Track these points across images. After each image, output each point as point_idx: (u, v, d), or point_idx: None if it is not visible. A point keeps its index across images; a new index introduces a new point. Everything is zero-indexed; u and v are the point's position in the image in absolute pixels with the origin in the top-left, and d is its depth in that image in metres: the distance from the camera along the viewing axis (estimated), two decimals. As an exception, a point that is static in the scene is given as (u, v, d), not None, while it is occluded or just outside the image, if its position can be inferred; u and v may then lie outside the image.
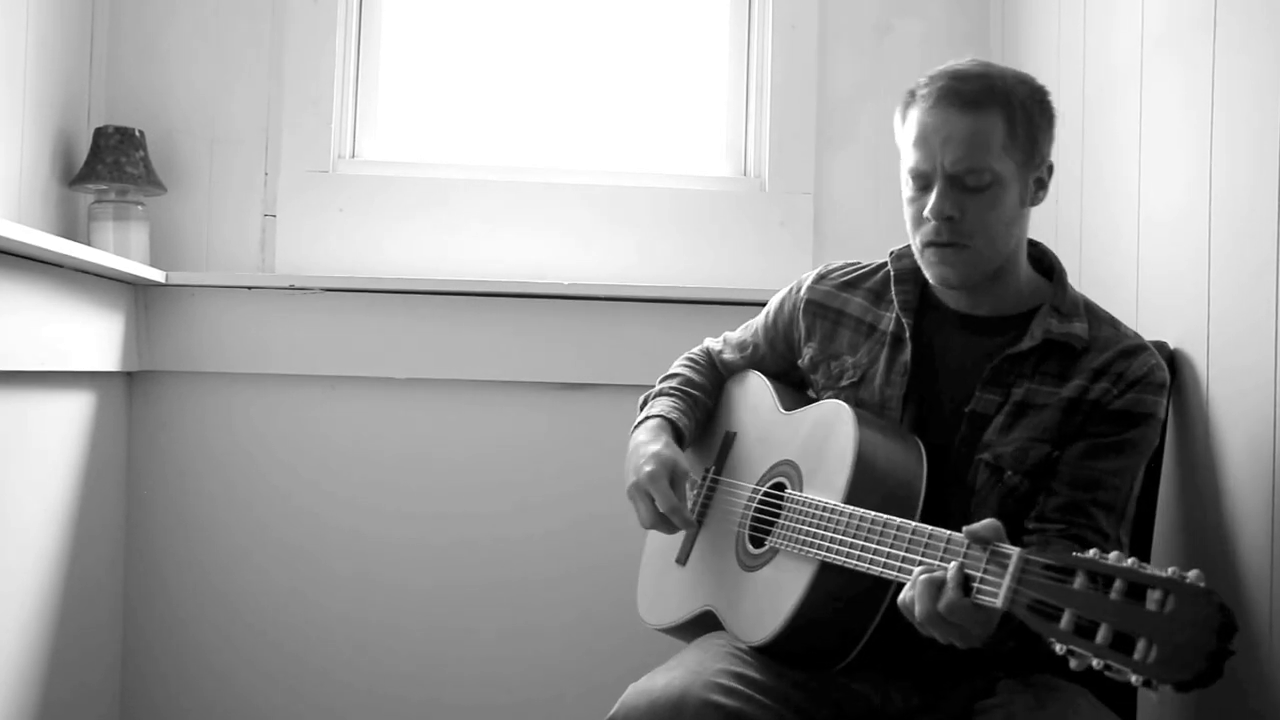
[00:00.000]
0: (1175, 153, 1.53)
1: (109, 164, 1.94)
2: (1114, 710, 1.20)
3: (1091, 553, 0.90)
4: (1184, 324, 1.49)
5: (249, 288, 2.07)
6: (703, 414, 1.57)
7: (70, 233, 1.99)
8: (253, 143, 2.14)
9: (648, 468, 1.39)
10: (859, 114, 2.24)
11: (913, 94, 1.31)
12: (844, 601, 1.21)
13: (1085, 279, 1.81)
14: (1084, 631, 0.87)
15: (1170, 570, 0.84)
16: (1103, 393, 1.28)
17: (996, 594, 0.96)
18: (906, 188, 1.32)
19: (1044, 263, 1.40)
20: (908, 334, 1.37)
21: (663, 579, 1.52)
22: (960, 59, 1.33)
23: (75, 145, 2.02)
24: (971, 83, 1.27)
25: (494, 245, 2.18)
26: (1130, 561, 0.87)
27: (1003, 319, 1.34)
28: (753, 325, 1.59)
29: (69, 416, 1.84)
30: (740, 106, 2.30)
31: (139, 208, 2.00)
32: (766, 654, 1.26)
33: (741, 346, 1.59)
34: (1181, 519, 1.49)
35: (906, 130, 1.31)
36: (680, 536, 1.50)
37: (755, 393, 1.53)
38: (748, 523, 1.38)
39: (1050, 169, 1.35)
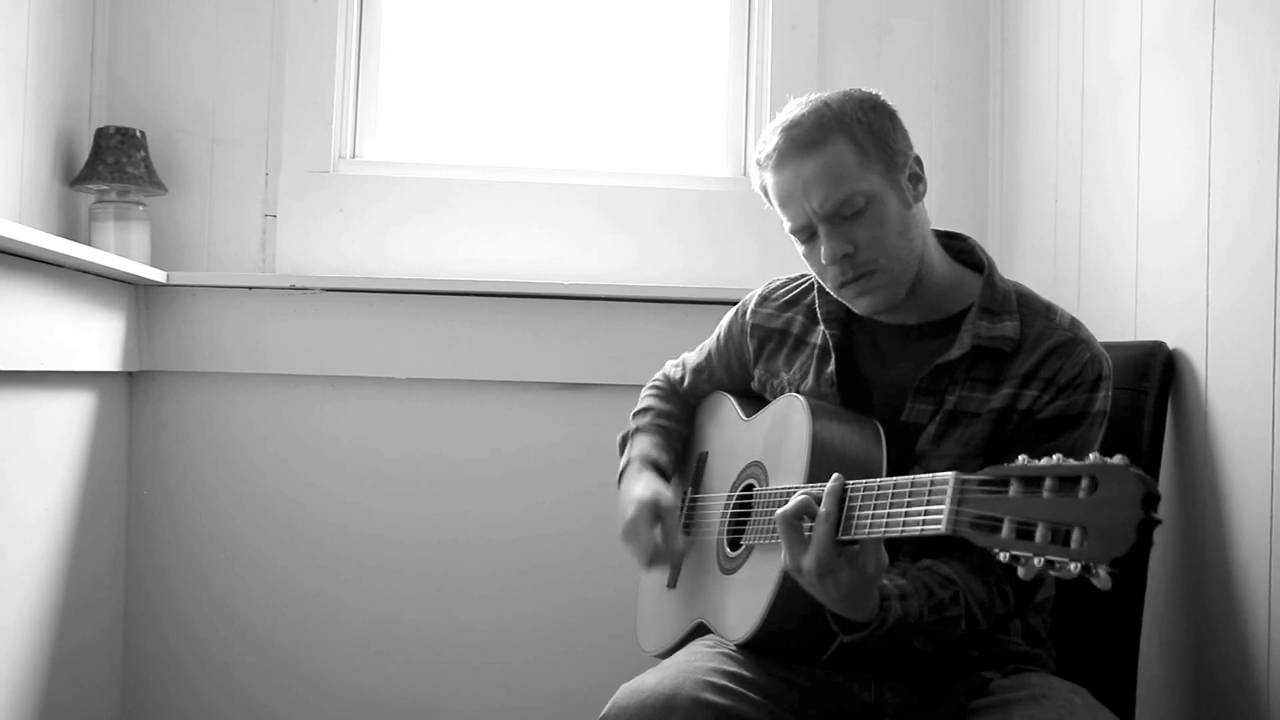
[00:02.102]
0: (1175, 153, 1.53)
1: (110, 164, 1.94)
2: (1112, 710, 1.20)
3: (1020, 459, 0.92)
4: (1183, 324, 1.49)
5: (249, 288, 2.07)
6: (679, 443, 1.60)
7: (71, 233, 1.99)
8: (253, 143, 2.14)
9: (629, 513, 1.42)
10: (859, 114, 2.24)
11: (759, 162, 1.33)
12: None
13: (1085, 279, 1.82)
14: (1024, 535, 0.88)
15: (1092, 456, 0.86)
16: (1032, 401, 1.26)
17: (940, 519, 0.98)
18: (796, 245, 1.33)
19: (974, 256, 1.38)
20: (832, 345, 1.37)
21: (657, 606, 1.54)
22: (787, 106, 1.33)
23: (76, 146, 2.02)
24: (803, 125, 1.28)
25: (494, 245, 2.18)
26: (1055, 459, 0.89)
27: (932, 324, 1.33)
28: (706, 349, 1.61)
29: (70, 416, 1.84)
30: (740, 106, 2.30)
31: (140, 208, 2.01)
32: (753, 649, 1.26)
33: (698, 371, 1.61)
34: (1180, 519, 1.49)
35: (771, 196, 1.33)
36: (668, 565, 1.52)
37: (721, 409, 1.55)
38: (725, 529, 1.40)
39: (918, 160, 1.33)
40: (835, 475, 1.11)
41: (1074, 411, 1.25)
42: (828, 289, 1.35)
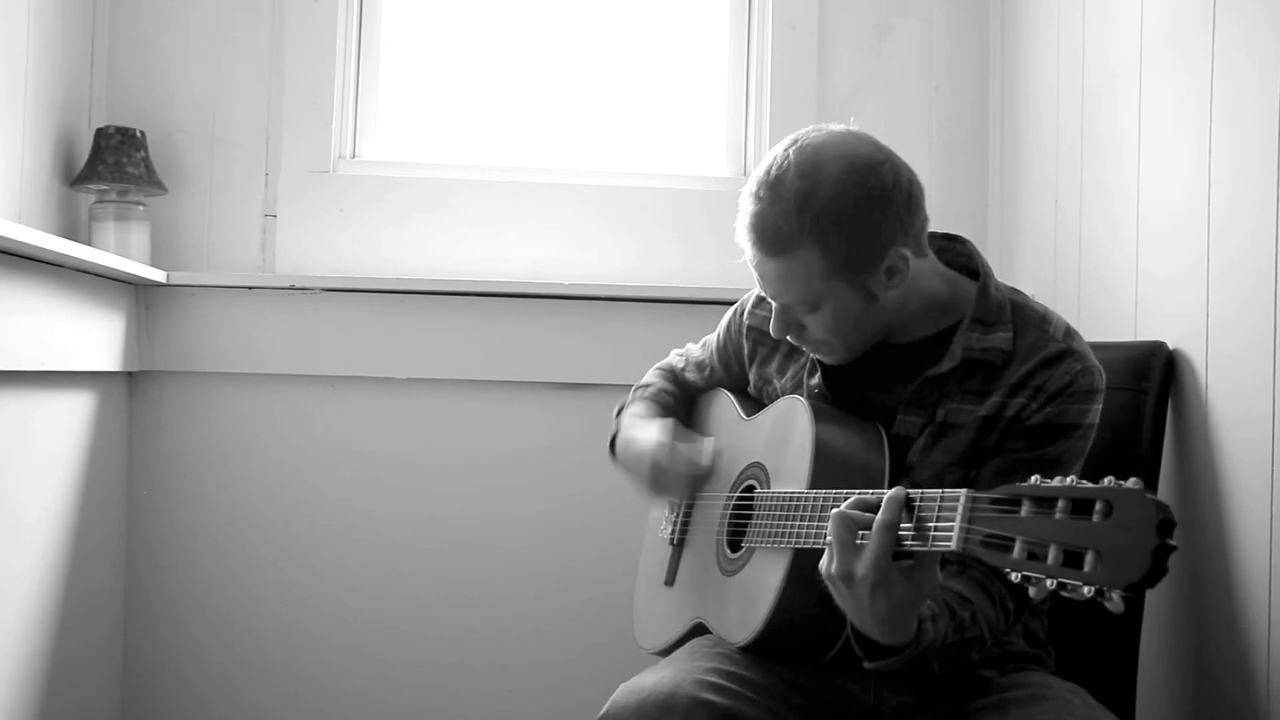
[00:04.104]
0: (1175, 153, 1.53)
1: (110, 164, 1.94)
2: (1112, 710, 1.20)
3: (1034, 479, 0.91)
4: (1184, 324, 1.49)
5: (249, 288, 2.07)
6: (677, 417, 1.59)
7: (71, 233, 1.99)
8: (253, 143, 2.14)
9: (652, 439, 1.41)
10: (859, 114, 2.22)
11: (739, 206, 1.25)
12: (823, 585, 1.21)
13: (1085, 279, 1.82)
14: (1036, 556, 0.87)
15: (1107, 480, 0.85)
16: (1020, 408, 1.24)
17: (950, 537, 0.96)
18: None
19: (971, 263, 1.34)
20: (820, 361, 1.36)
21: (654, 604, 1.54)
22: (784, 152, 1.21)
23: (76, 146, 2.02)
24: (772, 229, 1.19)
25: (494, 245, 2.18)
26: (1070, 480, 0.88)
27: (925, 342, 1.30)
28: (709, 344, 1.60)
29: (70, 416, 1.84)
30: (740, 106, 2.30)
31: (140, 208, 2.00)
32: (754, 652, 1.26)
33: (700, 366, 1.60)
34: (1180, 519, 1.49)
35: None
36: (665, 560, 1.52)
37: (720, 407, 1.55)
38: (725, 530, 1.39)
39: (903, 258, 1.21)
40: (898, 487, 1.05)
41: (1065, 421, 1.23)
42: None
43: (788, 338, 1.32)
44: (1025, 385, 1.24)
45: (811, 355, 1.35)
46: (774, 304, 1.28)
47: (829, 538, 1.07)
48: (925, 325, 1.30)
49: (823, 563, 1.08)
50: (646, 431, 1.45)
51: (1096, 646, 1.44)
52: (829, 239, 1.18)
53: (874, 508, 1.05)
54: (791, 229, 1.18)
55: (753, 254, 1.24)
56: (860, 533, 1.05)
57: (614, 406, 1.64)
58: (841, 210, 1.18)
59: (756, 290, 1.51)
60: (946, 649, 1.15)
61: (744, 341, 1.49)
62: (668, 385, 1.61)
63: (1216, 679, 1.41)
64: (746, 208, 1.23)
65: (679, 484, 1.41)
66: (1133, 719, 1.46)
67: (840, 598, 1.07)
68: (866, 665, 1.13)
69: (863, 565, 1.03)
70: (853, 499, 1.08)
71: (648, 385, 1.62)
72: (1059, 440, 1.23)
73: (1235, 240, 1.38)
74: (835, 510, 1.07)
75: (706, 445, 1.42)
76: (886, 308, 1.26)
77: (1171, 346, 1.51)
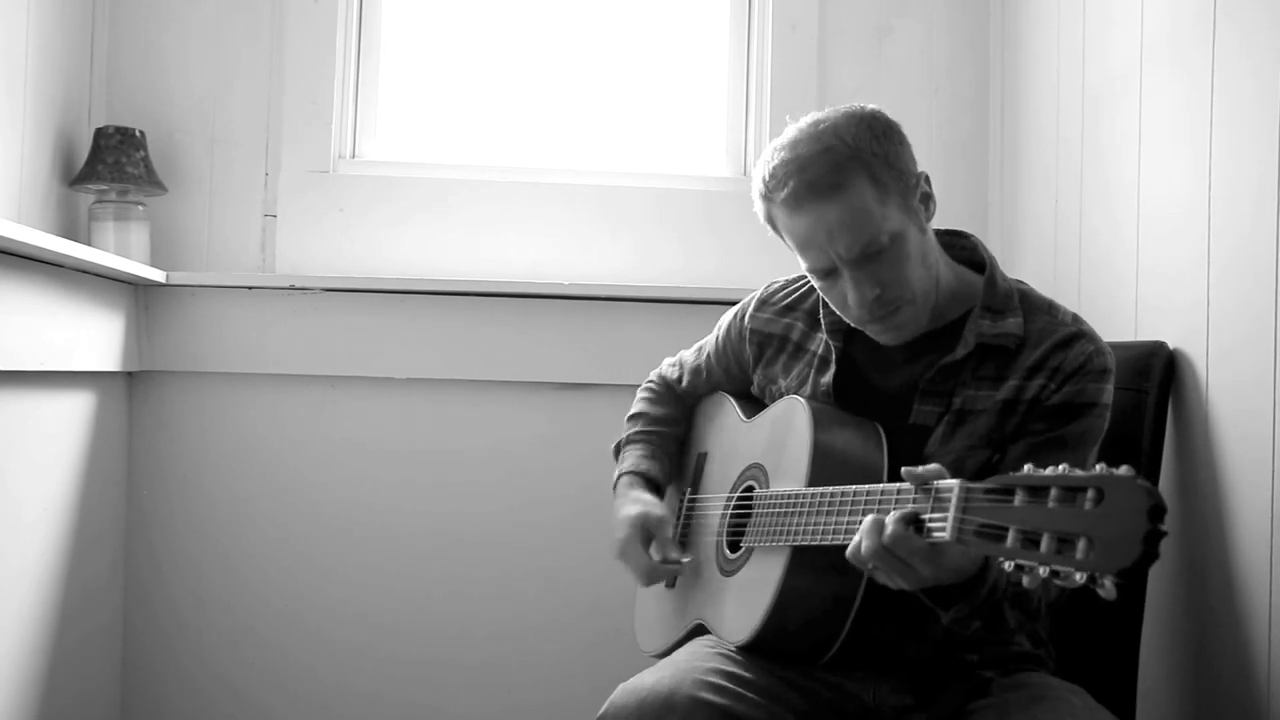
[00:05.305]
0: (1176, 153, 1.53)
1: (109, 164, 1.94)
2: (1112, 710, 1.20)
3: (1026, 468, 0.92)
4: (1184, 324, 1.49)
5: (249, 288, 2.07)
6: (674, 447, 1.59)
7: (71, 233, 1.99)
8: (253, 143, 2.14)
9: (620, 534, 1.44)
10: (859, 114, 2.24)
11: (768, 196, 1.26)
12: (823, 582, 1.20)
13: (1086, 280, 1.82)
14: (1029, 544, 0.89)
15: (1098, 467, 0.86)
16: (1039, 389, 1.25)
17: (945, 527, 0.98)
18: (813, 279, 1.30)
19: (975, 254, 1.36)
20: (833, 356, 1.36)
21: (655, 606, 1.54)
22: (788, 131, 1.27)
23: (76, 145, 2.02)
24: (818, 166, 1.21)
25: (494, 245, 2.18)
26: (1062, 469, 0.89)
27: (935, 332, 1.31)
28: (705, 349, 1.59)
29: (69, 416, 1.84)
30: (740, 106, 2.30)
31: (139, 208, 2.00)
32: (754, 651, 1.26)
33: (696, 372, 1.60)
34: (1181, 518, 1.49)
35: (785, 235, 1.27)
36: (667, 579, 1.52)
37: (721, 410, 1.55)
38: (724, 531, 1.39)
39: (927, 179, 1.29)
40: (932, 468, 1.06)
41: (1083, 400, 1.25)
42: (848, 321, 1.32)
43: (863, 310, 1.26)
44: (1042, 367, 1.26)
45: (880, 335, 1.30)
46: (846, 269, 1.23)
47: (862, 542, 1.08)
48: (938, 316, 1.32)
49: (851, 545, 1.09)
50: (634, 506, 1.46)
51: (1096, 646, 1.45)
52: (871, 164, 1.22)
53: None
54: (838, 160, 1.21)
55: (806, 214, 1.22)
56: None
57: (613, 408, 1.64)
58: (870, 144, 1.23)
59: (757, 294, 1.51)
60: (1011, 598, 1.16)
61: (746, 345, 1.49)
62: (657, 409, 1.60)
63: (1217, 678, 1.40)
64: (790, 184, 1.22)
65: (640, 569, 1.42)
66: (1133, 719, 1.46)
67: (889, 576, 1.08)
68: (945, 619, 1.15)
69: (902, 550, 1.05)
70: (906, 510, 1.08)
71: (639, 415, 1.61)
72: (1078, 419, 1.25)
73: (1236, 239, 1.38)
74: (868, 519, 1.07)
75: (687, 559, 1.43)
76: (933, 254, 1.29)
77: (1172, 346, 1.51)
